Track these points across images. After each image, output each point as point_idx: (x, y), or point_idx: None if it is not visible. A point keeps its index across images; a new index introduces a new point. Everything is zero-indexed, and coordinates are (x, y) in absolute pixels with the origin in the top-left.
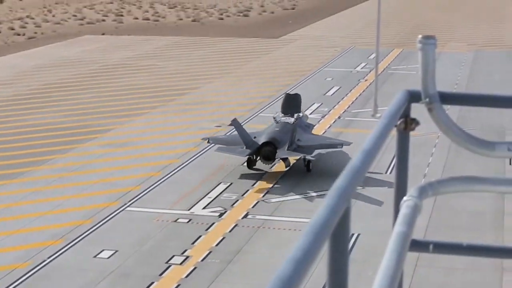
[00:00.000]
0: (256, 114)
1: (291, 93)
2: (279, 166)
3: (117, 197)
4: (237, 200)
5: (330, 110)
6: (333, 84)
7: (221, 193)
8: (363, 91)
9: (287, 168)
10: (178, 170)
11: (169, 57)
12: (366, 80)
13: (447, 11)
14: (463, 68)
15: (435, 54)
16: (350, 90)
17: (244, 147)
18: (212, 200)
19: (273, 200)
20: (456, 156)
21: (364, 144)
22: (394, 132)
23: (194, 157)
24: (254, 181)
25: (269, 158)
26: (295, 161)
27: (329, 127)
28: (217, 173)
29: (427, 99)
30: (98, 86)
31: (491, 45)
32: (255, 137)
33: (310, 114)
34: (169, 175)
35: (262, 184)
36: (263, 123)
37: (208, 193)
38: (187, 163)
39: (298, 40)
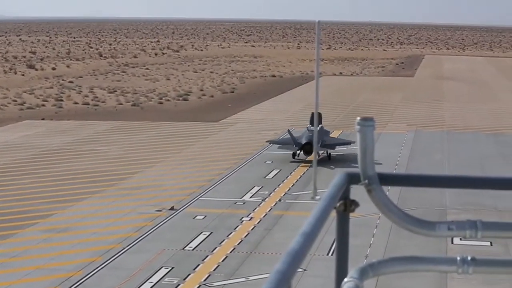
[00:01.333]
0: (197, 198)
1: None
2: (311, 157)
3: (58, 282)
4: (179, 285)
5: (270, 193)
6: (273, 167)
7: (162, 277)
8: (303, 174)
9: (319, 158)
10: (119, 255)
11: (109, 141)
12: (306, 162)
13: (386, 92)
14: (403, 148)
15: (374, 135)
16: (290, 173)
17: (294, 145)
18: (154, 285)
19: (215, 284)
20: (398, 237)
21: (304, 227)
22: (334, 214)
23: (135, 242)
24: (195, 265)
25: (308, 152)
26: (323, 154)
27: (270, 210)
28: (158, 257)
29: (366, 181)
30: (39, 171)
31: (430, 125)
32: (298, 140)
33: (251, 197)
34: (110, 260)
35: (202, 268)
36: (204, 207)
37: (150, 277)
38: (128, 247)
39: (238, 124)
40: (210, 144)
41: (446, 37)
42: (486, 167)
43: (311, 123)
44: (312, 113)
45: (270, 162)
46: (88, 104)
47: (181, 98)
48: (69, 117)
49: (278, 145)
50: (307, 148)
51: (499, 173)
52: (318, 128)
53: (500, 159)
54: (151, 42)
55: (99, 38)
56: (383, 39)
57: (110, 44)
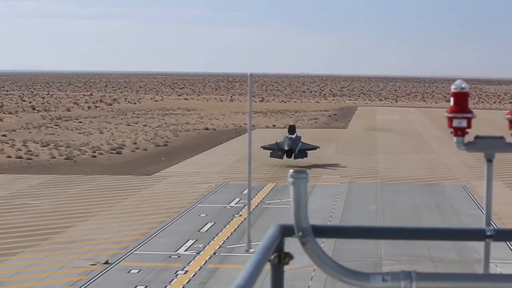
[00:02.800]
0: (131, 251)
1: (291, 124)
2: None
3: None
4: None
5: (205, 246)
6: (208, 220)
7: None
8: (237, 226)
9: (296, 159)
10: None
11: (42, 195)
12: (240, 215)
13: (319, 144)
14: (337, 200)
15: (307, 188)
16: (225, 226)
17: (279, 151)
18: None
19: None
20: None
21: (238, 280)
22: (268, 266)
23: None
24: None
25: (290, 156)
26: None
27: (205, 263)
28: None
29: (300, 233)
30: None
31: (364, 177)
32: (281, 146)
33: (185, 251)
34: None
35: None
36: (140, 261)
37: None
38: None
39: (172, 177)
40: (144, 197)
41: (379, 89)
42: (420, 218)
43: (289, 132)
44: (289, 125)
45: (205, 215)
46: (21, 157)
47: (114, 152)
48: (2, 170)
49: (270, 151)
50: (289, 153)
51: (433, 223)
52: (294, 136)
53: (434, 209)
54: (84, 95)
55: (32, 91)
56: (315, 91)
57: (43, 98)
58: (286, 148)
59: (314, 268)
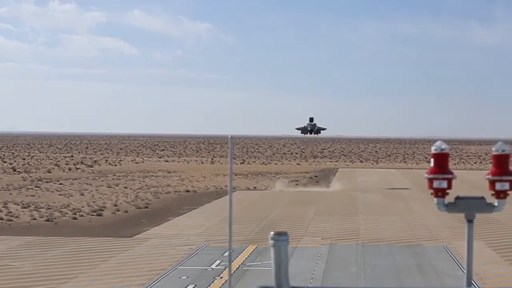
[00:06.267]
0: None
1: (311, 117)
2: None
3: None
4: None
5: None
6: (188, 283)
7: None
8: None
9: (315, 134)
10: None
11: (23, 257)
12: (221, 278)
13: (300, 206)
14: (318, 262)
15: (288, 249)
16: None
17: (305, 131)
18: None
19: None
20: None
21: None
22: None
23: None
24: None
25: (311, 133)
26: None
27: None
28: None
29: None
30: None
31: (345, 238)
32: (306, 128)
33: None
34: None
35: None
36: None
37: None
38: None
39: (152, 239)
40: (125, 259)
41: (360, 150)
42: (402, 279)
43: (310, 121)
44: (310, 117)
45: (186, 277)
46: (1, 219)
47: (95, 214)
48: None
49: (300, 130)
50: (310, 132)
51: (415, 284)
52: (312, 123)
53: (416, 270)
54: (65, 157)
55: (13, 153)
56: (296, 153)
57: (24, 159)
58: (309, 129)
59: None
